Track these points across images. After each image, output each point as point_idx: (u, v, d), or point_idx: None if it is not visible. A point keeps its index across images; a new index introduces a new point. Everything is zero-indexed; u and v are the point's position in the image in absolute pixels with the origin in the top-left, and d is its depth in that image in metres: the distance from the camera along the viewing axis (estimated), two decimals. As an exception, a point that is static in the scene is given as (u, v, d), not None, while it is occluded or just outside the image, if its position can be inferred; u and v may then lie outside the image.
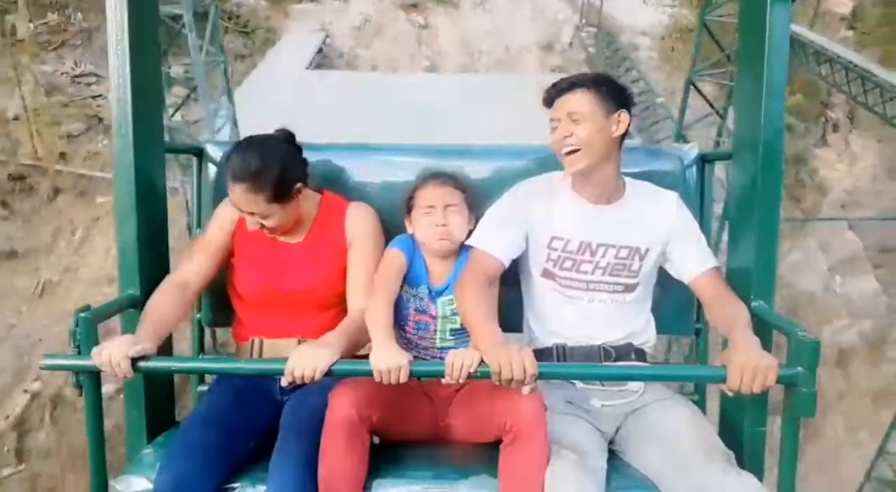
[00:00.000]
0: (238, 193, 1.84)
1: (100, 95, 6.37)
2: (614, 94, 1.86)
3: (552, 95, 1.89)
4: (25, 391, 4.16)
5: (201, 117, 3.52)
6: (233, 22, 11.79)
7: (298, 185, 1.90)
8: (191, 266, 1.92)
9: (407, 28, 11.58)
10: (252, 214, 1.86)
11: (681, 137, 3.08)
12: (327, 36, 14.92)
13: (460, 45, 10.63)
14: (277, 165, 1.87)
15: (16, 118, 5.07)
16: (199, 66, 3.39)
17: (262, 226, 1.88)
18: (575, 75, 1.93)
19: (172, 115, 3.04)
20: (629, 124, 1.88)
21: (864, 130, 5.74)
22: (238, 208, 1.87)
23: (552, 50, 10.70)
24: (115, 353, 1.55)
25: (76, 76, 6.10)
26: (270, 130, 1.97)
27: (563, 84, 1.88)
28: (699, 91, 3.25)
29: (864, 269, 5.81)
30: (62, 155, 4.92)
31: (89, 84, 6.86)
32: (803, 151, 5.99)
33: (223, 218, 1.99)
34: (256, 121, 4.94)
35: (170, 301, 1.81)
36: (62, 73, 5.78)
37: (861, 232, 5.83)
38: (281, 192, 1.87)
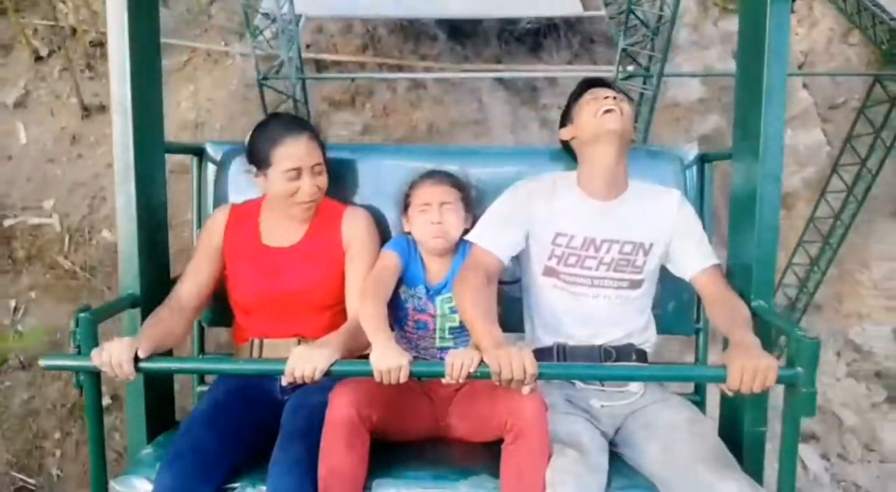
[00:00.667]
0: (303, 143, 1.86)
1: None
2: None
3: (585, 88, 1.94)
4: (130, 214, 5.22)
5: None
6: None
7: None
8: (187, 288, 1.91)
9: None
10: (315, 166, 1.87)
11: (631, 10, 3.59)
12: None
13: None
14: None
15: (91, -9, 5.83)
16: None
17: (317, 190, 1.89)
18: (603, 78, 2.01)
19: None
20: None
21: (826, -4, 6.32)
22: (296, 169, 1.84)
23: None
24: (115, 354, 1.53)
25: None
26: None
27: (598, 80, 1.96)
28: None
29: (813, 123, 6.56)
30: (132, 24, 5.70)
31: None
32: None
33: (208, 238, 1.97)
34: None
35: (170, 320, 1.81)
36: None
37: (813, 90, 6.55)
38: (324, 146, 1.95)
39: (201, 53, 5.65)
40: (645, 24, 4.06)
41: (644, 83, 4.50)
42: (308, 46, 5.59)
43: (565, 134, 1.96)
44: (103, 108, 5.39)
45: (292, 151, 1.84)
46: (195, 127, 5.32)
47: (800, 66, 6.59)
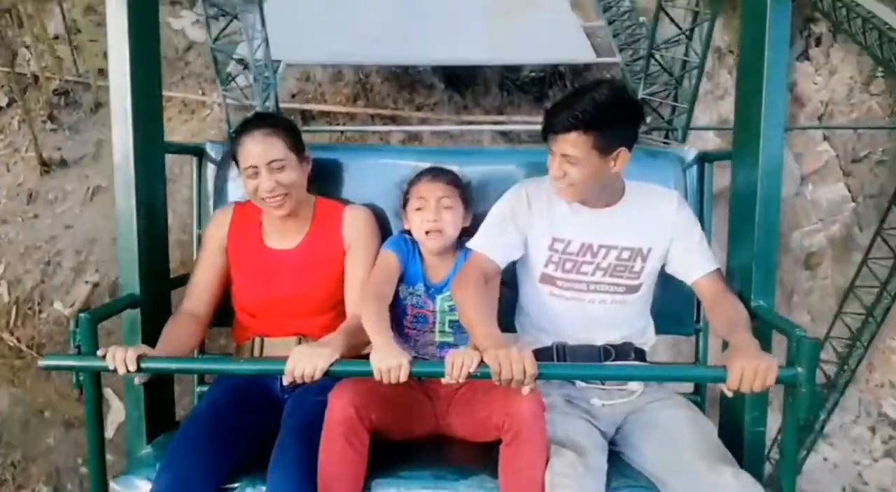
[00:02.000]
0: (257, 140, 1.83)
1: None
2: (615, 132, 1.72)
3: (547, 132, 1.77)
4: (86, 282, 4.72)
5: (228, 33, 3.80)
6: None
7: (306, 152, 1.92)
8: (197, 295, 1.92)
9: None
10: (271, 163, 1.82)
11: (651, 56, 3.31)
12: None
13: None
14: (288, 119, 1.98)
15: (56, 37, 5.41)
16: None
17: (277, 185, 1.83)
18: (575, 107, 1.70)
19: (216, 40, 3.28)
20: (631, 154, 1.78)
21: (844, 42, 5.98)
22: (253, 167, 1.82)
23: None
24: (119, 352, 1.56)
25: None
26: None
27: (559, 124, 1.73)
28: (668, 15, 3.47)
29: (835, 177, 6.19)
30: (101, 71, 5.29)
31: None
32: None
33: (213, 238, 1.97)
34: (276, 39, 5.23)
35: (184, 331, 1.84)
36: (89, -7, 6.07)
37: (834, 143, 6.17)
38: (296, 139, 1.90)
39: (177, 102, 5.27)
40: (668, 72, 3.61)
41: (666, 137, 4.04)
42: (294, 95, 5.26)
43: None
44: (64, 163, 4.93)
45: (245, 150, 1.84)
46: (171, 182, 4.84)
47: (819, 118, 6.22)
